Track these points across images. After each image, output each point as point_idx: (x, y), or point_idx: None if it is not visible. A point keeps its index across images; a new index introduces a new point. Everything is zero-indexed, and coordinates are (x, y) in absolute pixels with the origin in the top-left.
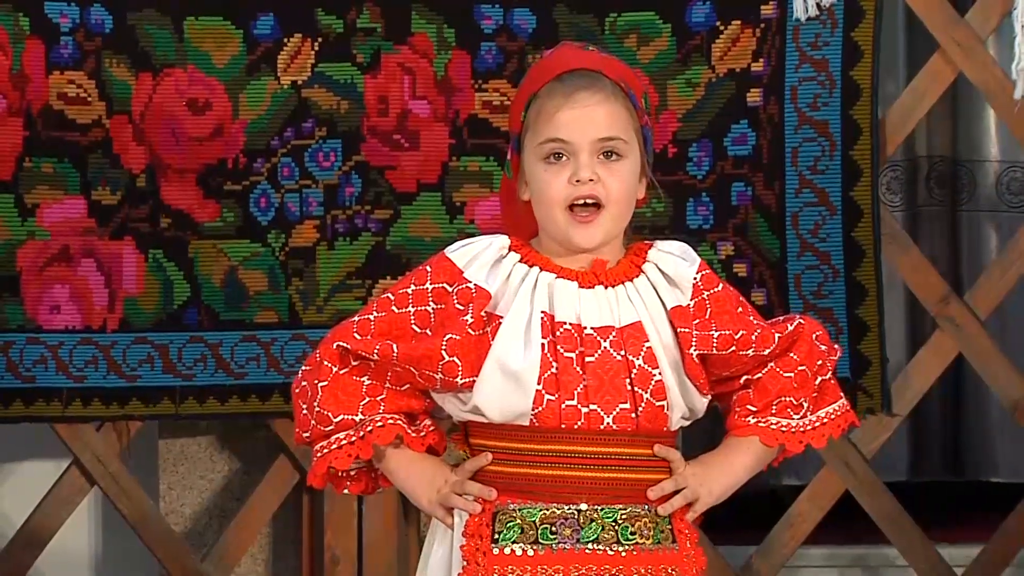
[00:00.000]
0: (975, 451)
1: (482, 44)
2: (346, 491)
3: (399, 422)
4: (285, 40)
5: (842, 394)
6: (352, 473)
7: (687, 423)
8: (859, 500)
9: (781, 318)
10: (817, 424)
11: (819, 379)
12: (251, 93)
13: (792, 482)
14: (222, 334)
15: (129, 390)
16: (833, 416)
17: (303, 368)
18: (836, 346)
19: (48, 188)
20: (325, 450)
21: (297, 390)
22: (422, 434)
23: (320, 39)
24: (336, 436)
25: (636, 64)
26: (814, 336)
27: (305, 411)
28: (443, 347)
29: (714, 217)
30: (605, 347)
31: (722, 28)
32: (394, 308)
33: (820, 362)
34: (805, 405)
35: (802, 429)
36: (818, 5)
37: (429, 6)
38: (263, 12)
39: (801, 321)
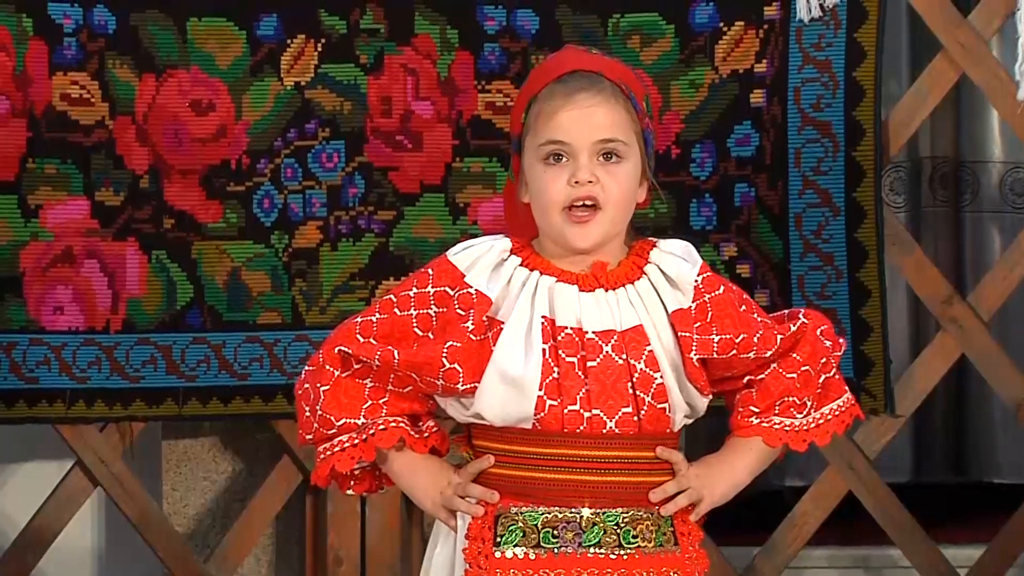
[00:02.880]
0: (978, 452)
1: (485, 45)
2: (350, 492)
3: (401, 425)
4: (288, 41)
5: (847, 388)
6: (356, 473)
7: (690, 421)
8: (862, 501)
9: (786, 312)
10: (821, 421)
11: (823, 377)
12: (254, 94)
13: (795, 483)
14: (225, 335)
15: (132, 391)
16: (837, 412)
17: (306, 368)
18: (841, 340)
19: (51, 189)
20: (328, 452)
21: (300, 392)
22: (425, 436)
23: (323, 40)
24: (339, 439)
25: (639, 65)
26: (819, 331)
27: (308, 414)
28: (444, 354)
29: (717, 218)
30: (607, 351)
31: (725, 29)
32: (396, 311)
33: (824, 360)
34: (808, 404)
35: (805, 428)
36: (821, 6)
37: (432, 7)
38: (266, 13)
39: (805, 321)
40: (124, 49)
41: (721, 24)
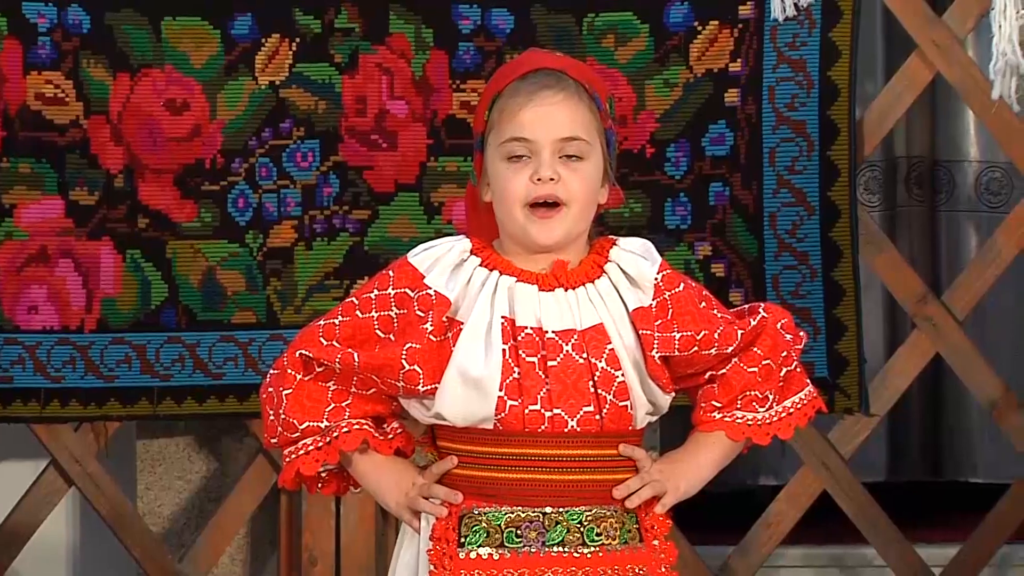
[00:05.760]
0: (953, 451)
1: (460, 44)
2: (319, 492)
3: (365, 427)
4: (263, 40)
5: (808, 381)
6: (323, 475)
7: (653, 419)
8: (837, 500)
9: (746, 307)
10: (784, 415)
11: (784, 370)
12: (229, 93)
13: (770, 482)
14: (200, 334)
15: (107, 390)
16: (800, 405)
17: (270, 372)
18: (802, 333)
19: (25, 188)
20: (293, 456)
21: (264, 396)
22: (389, 437)
23: (298, 39)
24: (303, 442)
25: (614, 64)
26: (779, 325)
27: (272, 417)
28: (403, 356)
29: (692, 217)
30: (567, 350)
31: (700, 28)
32: (358, 313)
33: (785, 353)
34: (771, 397)
35: (768, 421)
36: (796, 5)
37: (407, 6)
38: (241, 12)
39: (764, 314)
40: (98, 48)
41: (696, 23)
